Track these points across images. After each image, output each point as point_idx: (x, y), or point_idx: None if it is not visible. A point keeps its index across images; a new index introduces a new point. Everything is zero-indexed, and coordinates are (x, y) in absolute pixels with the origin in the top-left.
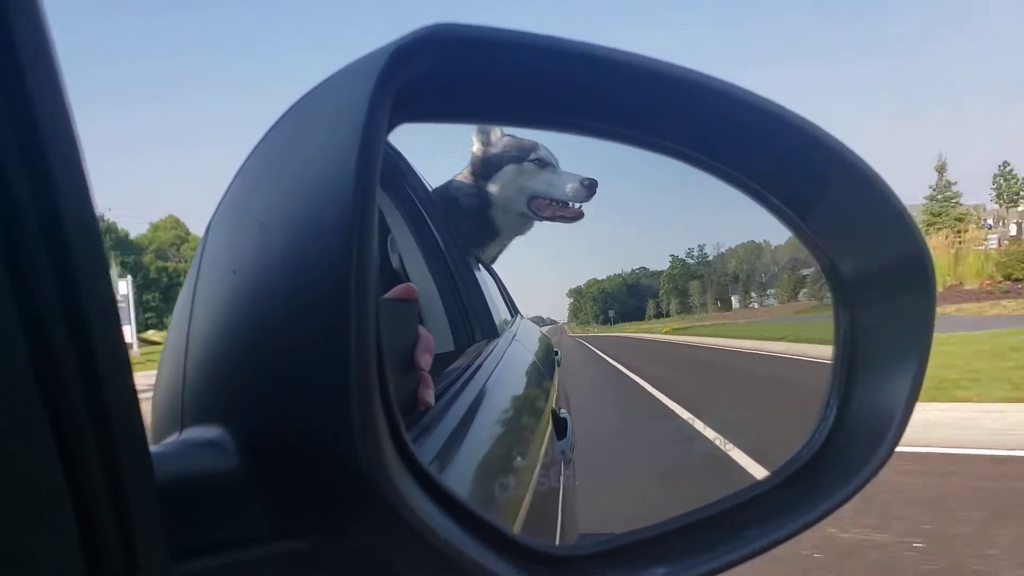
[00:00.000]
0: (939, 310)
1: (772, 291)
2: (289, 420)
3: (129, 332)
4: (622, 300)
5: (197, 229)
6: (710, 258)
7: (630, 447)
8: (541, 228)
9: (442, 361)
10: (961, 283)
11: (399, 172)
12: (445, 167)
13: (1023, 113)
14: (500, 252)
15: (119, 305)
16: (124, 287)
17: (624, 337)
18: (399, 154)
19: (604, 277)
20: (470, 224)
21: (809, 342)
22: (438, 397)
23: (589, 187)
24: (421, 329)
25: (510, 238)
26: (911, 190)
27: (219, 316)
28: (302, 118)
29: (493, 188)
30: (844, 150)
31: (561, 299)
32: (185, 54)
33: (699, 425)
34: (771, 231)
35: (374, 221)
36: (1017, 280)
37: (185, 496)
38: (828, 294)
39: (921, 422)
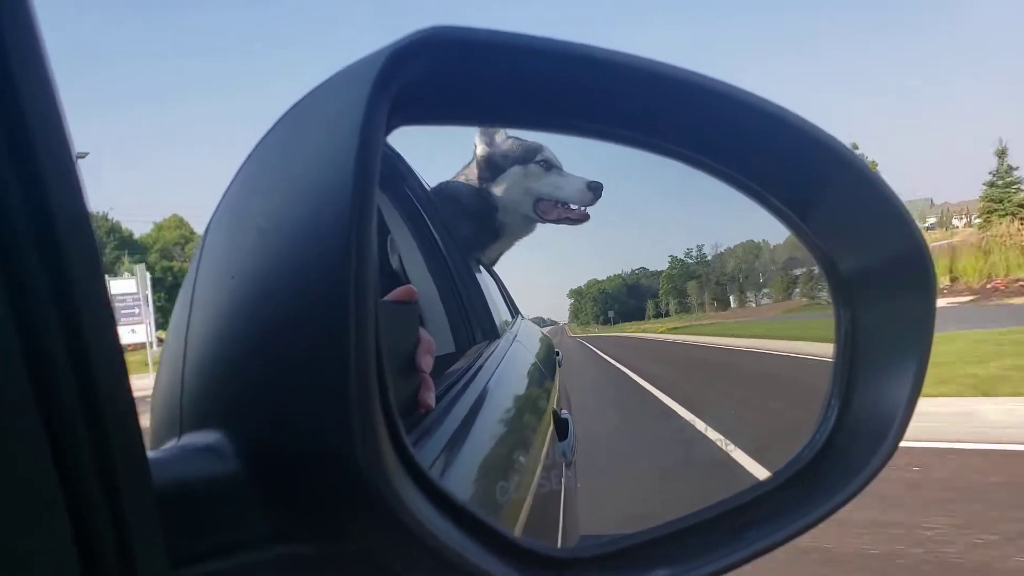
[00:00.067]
0: (1009, 302)
1: (766, 291)
2: (288, 424)
3: (146, 331)
4: (622, 300)
5: (201, 228)
6: (708, 258)
7: (629, 443)
8: (542, 229)
9: (443, 363)
10: None
11: (398, 173)
12: (444, 169)
13: None
14: (501, 254)
15: (135, 299)
16: (133, 285)
17: (624, 337)
18: (398, 155)
19: (604, 278)
20: (473, 225)
21: (798, 340)
22: (439, 399)
23: (595, 190)
24: (422, 331)
25: (513, 240)
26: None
27: (217, 320)
28: (300, 121)
29: (498, 190)
30: (843, 150)
31: (562, 300)
32: (185, 54)
33: (690, 417)
34: (770, 231)
35: (373, 223)
36: None
37: (184, 501)
38: (820, 293)
39: None
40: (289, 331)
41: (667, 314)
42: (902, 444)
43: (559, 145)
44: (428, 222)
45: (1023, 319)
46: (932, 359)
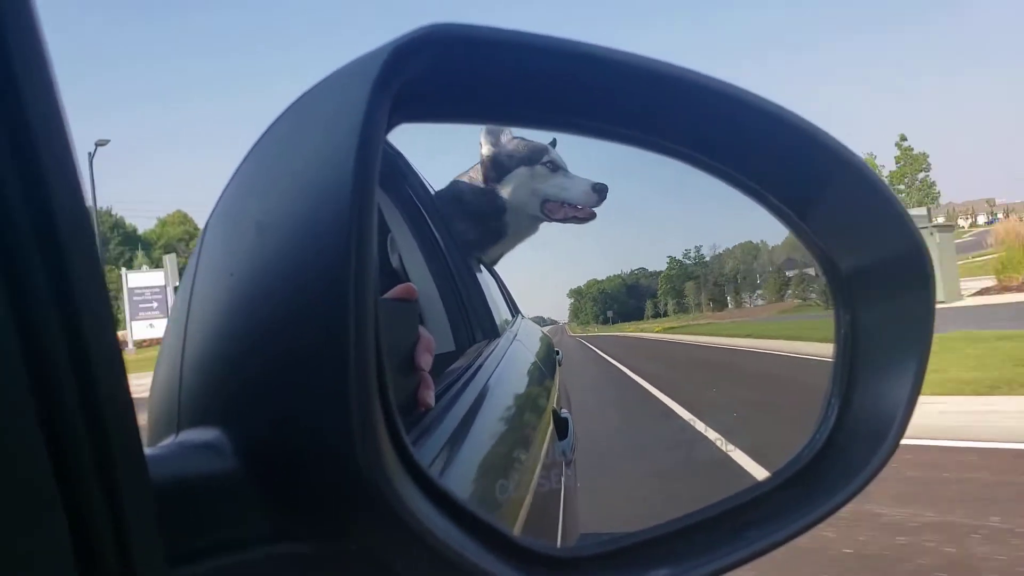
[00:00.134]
0: None
1: (760, 292)
2: (287, 421)
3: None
4: (621, 300)
5: None
6: (707, 259)
7: (626, 436)
8: (543, 229)
9: (442, 361)
10: None
11: (399, 172)
12: (444, 167)
13: None
14: (503, 254)
15: (154, 292)
16: (153, 278)
17: (622, 336)
18: (399, 153)
19: (604, 278)
20: (477, 225)
21: (786, 339)
22: (438, 397)
23: (600, 191)
24: (421, 329)
25: (516, 240)
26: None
27: (216, 317)
28: (300, 118)
29: (505, 190)
30: (843, 150)
31: (562, 299)
32: (189, 53)
33: (678, 409)
34: (768, 232)
35: (373, 221)
36: None
37: (182, 499)
38: (811, 294)
39: None
40: (288, 329)
41: (665, 314)
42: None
43: (560, 144)
44: (428, 221)
45: None
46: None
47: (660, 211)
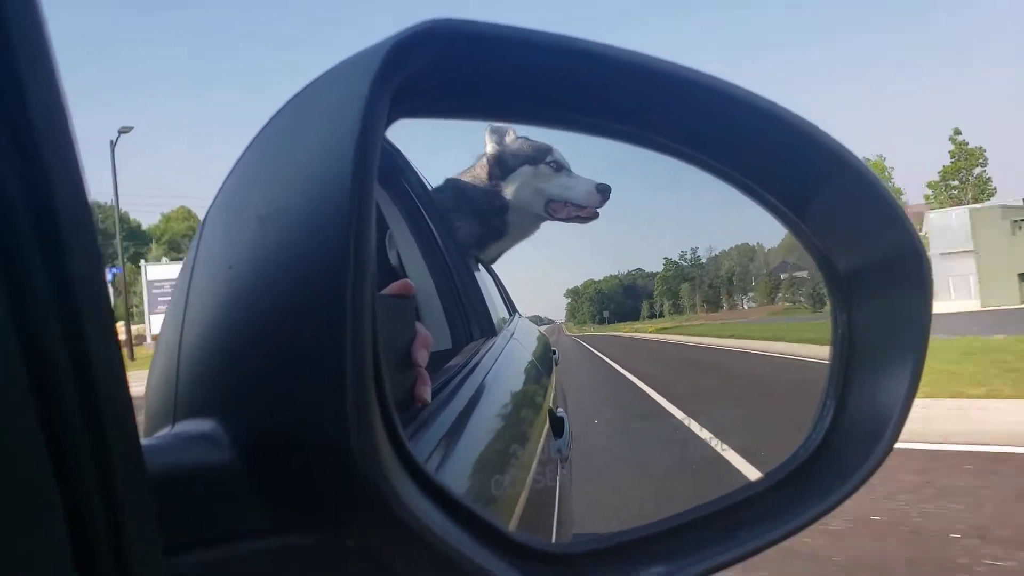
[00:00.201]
0: None
1: (751, 294)
2: (284, 414)
3: None
4: (618, 301)
5: None
6: (703, 261)
7: (617, 430)
8: (542, 229)
9: (439, 359)
10: None
11: (398, 169)
12: (443, 164)
13: None
14: (502, 253)
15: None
16: (175, 270)
17: (617, 336)
18: (397, 151)
19: (601, 278)
20: (479, 223)
21: (772, 340)
22: (435, 394)
23: (603, 192)
24: (418, 325)
25: (516, 240)
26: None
27: (214, 309)
28: (301, 111)
29: (508, 189)
30: (842, 149)
31: (559, 299)
32: (191, 48)
33: (663, 402)
34: (765, 233)
35: (372, 214)
36: None
37: (177, 489)
38: (800, 298)
39: None
40: (286, 321)
41: (661, 315)
42: None
43: (561, 143)
44: (427, 218)
45: None
46: None
47: (658, 211)
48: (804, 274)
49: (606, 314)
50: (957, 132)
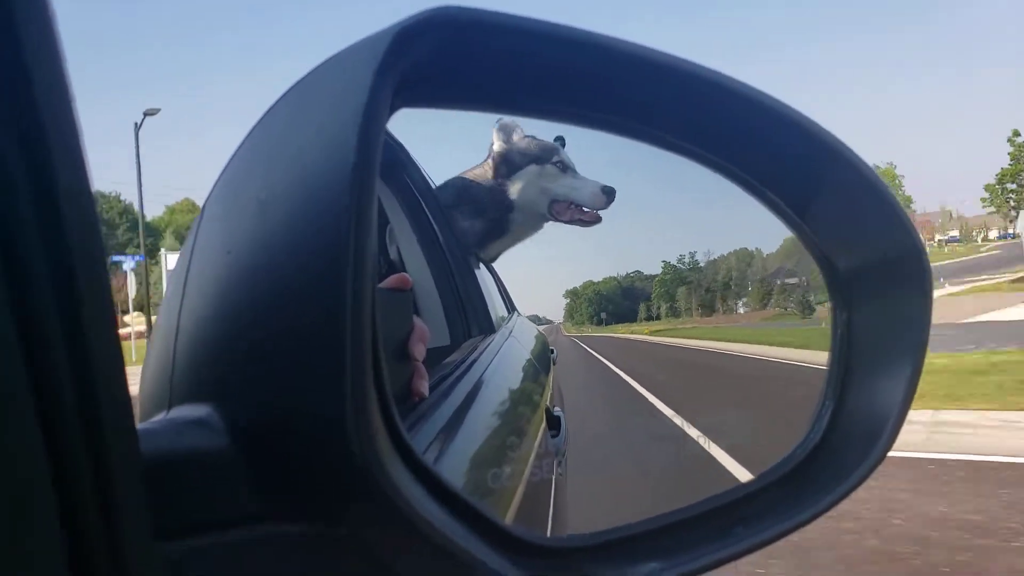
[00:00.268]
0: None
1: (745, 300)
2: (281, 400)
3: None
4: (616, 302)
5: None
6: (701, 265)
7: (612, 424)
8: (543, 229)
9: (437, 355)
10: None
11: (399, 163)
12: (444, 155)
13: None
14: (503, 251)
15: None
16: None
17: (613, 337)
18: (400, 145)
19: (600, 279)
20: (482, 221)
21: (761, 343)
22: (433, 389)
23: (608, 194)
24: (416, 320)
25: (518, 238)
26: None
27: (212, 295)
28: (303, 98)
29: (513, 188)
30: (844, 150)
31: (558, 299)
32: (192, 41)
33: (653, 399)
34: (764, 238)
35: (373, 202)
36: None
37: (171, 475)
38: (791, 305)
39: None
40: (285, 307)
41: (658, 317)
42: None
43: (564, 137)
44: (428, 214)
45: None
46: None
47: (660, 211)
48: (795, 281)
49: (604, 315)
50: (1016, 134)
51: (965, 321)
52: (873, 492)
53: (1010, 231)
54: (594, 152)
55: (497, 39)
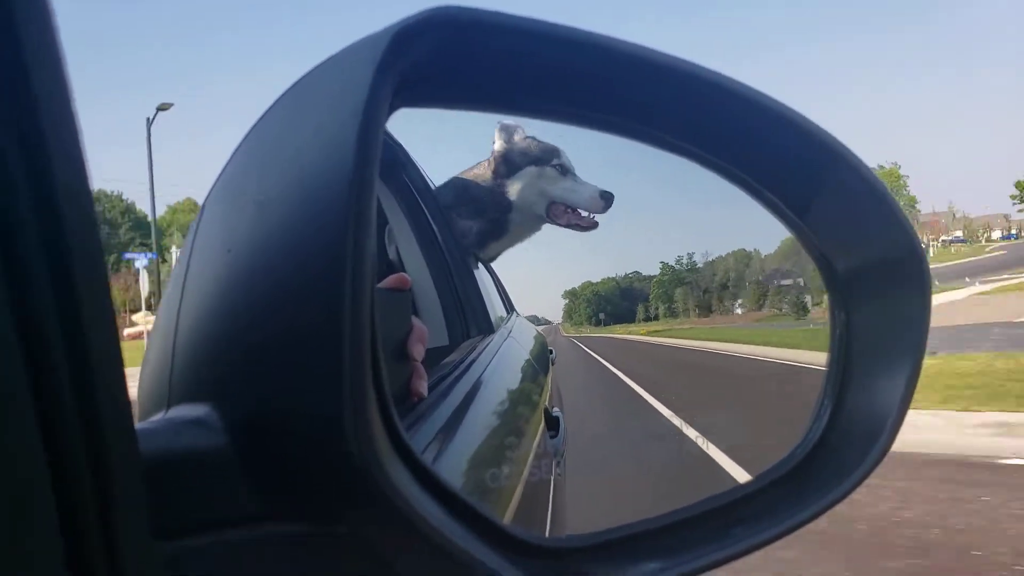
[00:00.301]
0: None
1: (741, 301)
2: (279, 399)
3: None
4: (615, 303)
5: None
6: (699, 266)
7: (610, 425)
8: (542, 230)
9: (436, 355)
10: None
11: (399, 163)
12: (443, 156)
13: None
14: (502, 251)
15: None
16: None
17: (611, 338)
18: (399, 145)
19: (598, 280)
20: (481, 220)
21: (756, 344)
22: (431, 389)
23: (606, 199)
24: (414, 319)
25: (517, 239)
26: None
27: (212, 294)
28: (303, 97)
29: (512, 188)
30: (844, 151)
31: (557, 300)
32: (194, 41)
33: (645, 394)
34: (763, 239)
35: (372, 200)
36: None
37: (170, 474)
38: (785, 306)
39: None
40: (284, 306)
41: (656, 317)
42: None
43: (563, 138)
44: (427, 214)
45: None
46: None
47: (659, 212)
48: (789, 282)
49: (602, 316)
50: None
51: (1019, 320)
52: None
53: (1013, 231)
54: (593, 153)
55: (496, 39)
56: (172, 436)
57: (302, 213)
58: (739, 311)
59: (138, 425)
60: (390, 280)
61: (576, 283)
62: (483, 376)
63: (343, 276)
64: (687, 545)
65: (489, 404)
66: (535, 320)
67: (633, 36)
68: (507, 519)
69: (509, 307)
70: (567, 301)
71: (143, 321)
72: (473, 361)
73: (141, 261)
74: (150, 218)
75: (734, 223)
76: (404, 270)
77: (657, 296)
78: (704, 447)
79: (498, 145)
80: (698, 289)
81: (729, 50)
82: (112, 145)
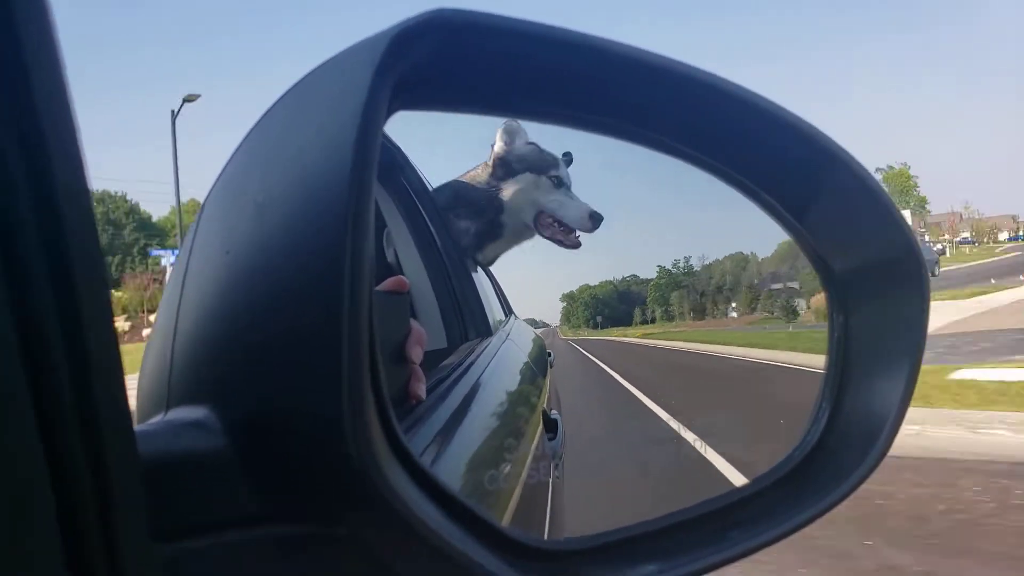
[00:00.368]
0: None
1: (734, 305)
2: (278, 401)
3: None
4: (612, 306)
5: None
6: (696, 269)
7: (605, 423)
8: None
9: (435, 357)
10: None
11: (397, 166)
12: (440, 158)
13: None
14: (500, 254)
15: None
16: None
17: (608, 340)
18: (397, 148)
19: (596, 283)
20: (477, 222)
21: (748, 346)
22: (430, 391)
23: (595, 220)
24: (413, 322)
25: (512, 243)
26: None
27: (210, 296)
28: (302, 99)
29: (506, 192)
30: (841, 152)
31: (555, 303)
32: (196, 40)
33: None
34: (759, 242)
35: (371, 202)
36: None
37: (169, 476)
38: (777, 310)
39: None
40: (283, 308)
41: (653, 321)
42: None
43: (560, 143)
44: (425, 217)
45: None
46: None
47: (655, 216)
48: (780, 286)
49: (600, 319)
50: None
51: None
52: None
53: (1020, 233)
54: (589, 155)
55: (494, 41)
56: (171, 438)
57: (302, 214)
58: (733, 315)
59: (137, 427)
60: (388, 283)
61: (574, 286)
62: (481, 378)
63: (342, 278)
64: (685, 548)
65: (487, 406)
66: (533, 323)
67: (627, 38)
68: (505, 521)
69: (507, 310)
70: (565, 304)
71: None
72: (471, 364)
73: (168, 259)
74: (179, 213)
75: (730, 226)
76: (402, 273)
77: (654, 299)
78: (702, 451)
79: (498, 147)
80: (694, 293)
81: (724, 52)
82: (111, 145)
